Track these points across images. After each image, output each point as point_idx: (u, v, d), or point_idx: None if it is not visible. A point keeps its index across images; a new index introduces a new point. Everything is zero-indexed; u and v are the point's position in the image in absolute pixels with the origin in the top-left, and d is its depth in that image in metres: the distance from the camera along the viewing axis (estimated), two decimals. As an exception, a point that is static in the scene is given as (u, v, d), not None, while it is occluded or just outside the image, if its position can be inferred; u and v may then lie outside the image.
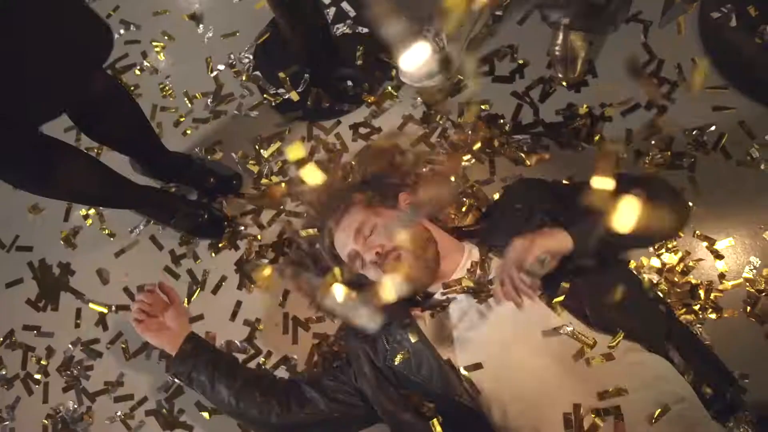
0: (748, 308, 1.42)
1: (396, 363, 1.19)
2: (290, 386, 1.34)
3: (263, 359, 1.62)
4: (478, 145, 1.64)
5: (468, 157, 1.63)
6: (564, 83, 1.69)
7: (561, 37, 1.63)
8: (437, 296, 1.23)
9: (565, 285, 1.10)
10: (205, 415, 1.58)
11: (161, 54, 2.04)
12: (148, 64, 2.03)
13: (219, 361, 1.35)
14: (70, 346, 1.74)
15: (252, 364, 1.62)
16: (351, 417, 1.29)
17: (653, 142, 1.56)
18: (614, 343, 1.07)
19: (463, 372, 1.13)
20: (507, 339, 1.12)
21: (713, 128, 1.57)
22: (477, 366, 1.12)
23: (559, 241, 1.07)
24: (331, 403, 1.28)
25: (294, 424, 1.29)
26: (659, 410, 1.00)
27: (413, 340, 1.17)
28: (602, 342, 1.07)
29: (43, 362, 1.75)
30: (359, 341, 1.27)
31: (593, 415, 1.01)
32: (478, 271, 1.20)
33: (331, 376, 1.32)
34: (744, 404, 1.16)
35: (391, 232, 1.22)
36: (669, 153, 1.56)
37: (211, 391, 1.32)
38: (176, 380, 1.41)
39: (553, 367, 1.07)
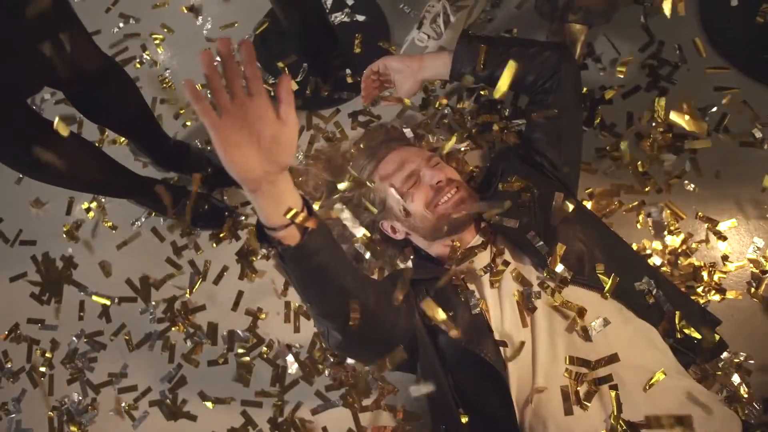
0: (752, 289, 1.40)
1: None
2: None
3: (265, 348, 1.62)
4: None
5: (467, 142, 1.62)
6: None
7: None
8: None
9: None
10: (209, 404, 1.59)
11: (161, 47, 2.04)
12: (148, 57, 2.03)
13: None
14: (74, 338, 1.75)
15: (254, 354, 1.62)
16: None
17: (654, 124, 1.55)
18: (607, 289, 1.08)
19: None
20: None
21: (715, 109, 1.55)
22: (503, 343, 1.08)
23: (441, 64, 1.33)
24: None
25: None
26: (652, 378, 1.00)
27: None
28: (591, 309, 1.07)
29: (47, 355, 1.75)
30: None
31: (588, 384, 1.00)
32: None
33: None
34: (727, 347, 1.19)
35: (452, 171, 1.30)
36: (670, 135, 1.54)
37: (338, 269, 0.91)
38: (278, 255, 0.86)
39: (548, 339, 1.06)
